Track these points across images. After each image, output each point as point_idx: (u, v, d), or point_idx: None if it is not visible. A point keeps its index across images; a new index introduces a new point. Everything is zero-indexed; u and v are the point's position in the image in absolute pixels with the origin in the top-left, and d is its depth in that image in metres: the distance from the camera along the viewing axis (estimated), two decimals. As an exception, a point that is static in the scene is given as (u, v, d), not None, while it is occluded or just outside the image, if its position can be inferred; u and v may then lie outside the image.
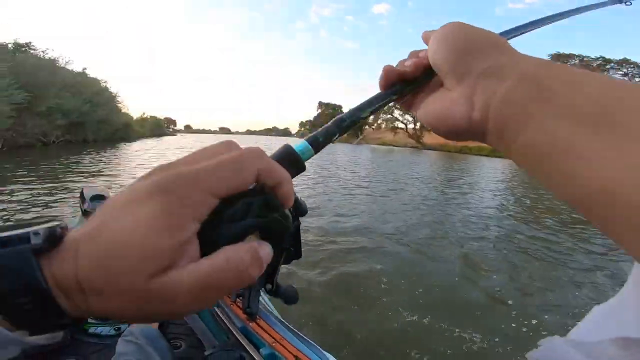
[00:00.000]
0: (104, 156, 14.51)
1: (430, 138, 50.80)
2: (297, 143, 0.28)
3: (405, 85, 0.30)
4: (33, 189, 6.71)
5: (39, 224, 0.17)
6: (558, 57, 33.12)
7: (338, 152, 28.23)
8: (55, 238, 0.18)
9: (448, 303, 3.09)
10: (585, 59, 32.00)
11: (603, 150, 0.17)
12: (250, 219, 0.21)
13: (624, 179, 0.16)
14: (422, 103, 0.29)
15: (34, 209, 5.22)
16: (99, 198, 1.59)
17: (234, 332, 1.19)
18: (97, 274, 0.17)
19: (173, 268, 0.18)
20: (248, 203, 0.21)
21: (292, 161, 0.26)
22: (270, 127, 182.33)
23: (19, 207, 5.31)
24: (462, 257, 4.27)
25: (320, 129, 0.29)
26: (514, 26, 0.37)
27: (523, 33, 0.38)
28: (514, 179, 15.43)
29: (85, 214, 1.59)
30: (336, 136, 0.29)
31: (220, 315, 1.28)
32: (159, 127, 54.77)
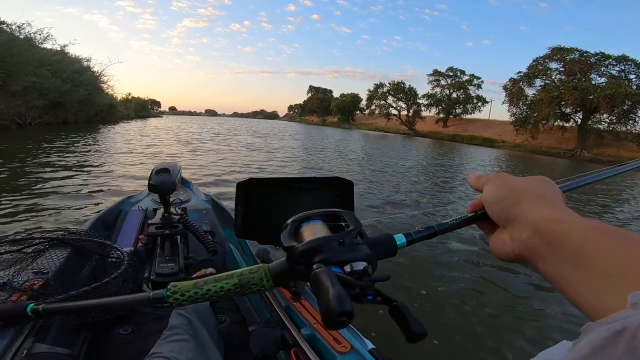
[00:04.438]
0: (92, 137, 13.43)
1: (422, 125, 50.44)
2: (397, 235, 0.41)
3: (478, 215, 0.43)
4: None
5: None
6: (558, 51, 32.67)
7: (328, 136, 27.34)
8: None
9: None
10: (584, 54, 31.45)
11: (579, 281, 0.27)
12: None
13: (588, 299, 0.26)
14: (491, 236, 0.41)
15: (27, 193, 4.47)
16: (163, 172, 1.57)
17: (278, 310, 1.17)
18: None
19: None
20: None
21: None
22: (258, 110, 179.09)
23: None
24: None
25: (419, 229, 0.43)
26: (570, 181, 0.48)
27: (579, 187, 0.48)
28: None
29: (151, 187, 1.57)
30: (428, 238, 0.43)
31: (266, 293, 1.26)
32: (144, 109, 52.43)
